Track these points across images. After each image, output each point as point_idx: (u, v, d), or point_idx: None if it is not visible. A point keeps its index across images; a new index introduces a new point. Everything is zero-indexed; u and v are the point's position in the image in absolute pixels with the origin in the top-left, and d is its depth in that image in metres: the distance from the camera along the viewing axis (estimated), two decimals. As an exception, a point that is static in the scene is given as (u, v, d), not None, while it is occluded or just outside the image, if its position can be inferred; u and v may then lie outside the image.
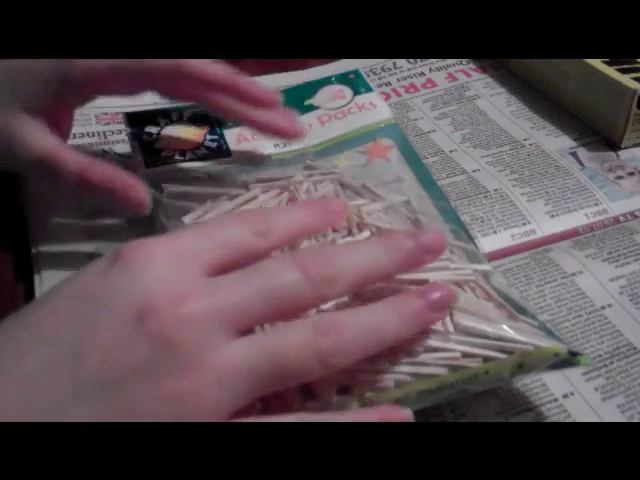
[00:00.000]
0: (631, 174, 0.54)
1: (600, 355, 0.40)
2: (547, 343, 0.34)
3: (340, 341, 0.29)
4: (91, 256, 0.46)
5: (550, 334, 0.36)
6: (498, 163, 0.55)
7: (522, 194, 0.52)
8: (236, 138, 0.52)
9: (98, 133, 0.57)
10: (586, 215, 0.50)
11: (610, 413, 0.38)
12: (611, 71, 0.55)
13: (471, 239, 0.44)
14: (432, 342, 0.34)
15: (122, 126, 0.57)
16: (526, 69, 0.63)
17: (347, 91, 0.55)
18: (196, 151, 0.50)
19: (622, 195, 0.52)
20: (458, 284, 0.38)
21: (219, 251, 0.30)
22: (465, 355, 0.34)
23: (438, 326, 0.34)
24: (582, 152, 0.56)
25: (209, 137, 0.52)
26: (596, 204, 0.51)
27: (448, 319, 0.35)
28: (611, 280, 0.45)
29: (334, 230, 0.41)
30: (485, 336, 0.34)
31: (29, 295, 0.44)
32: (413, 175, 0.50)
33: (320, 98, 0.55)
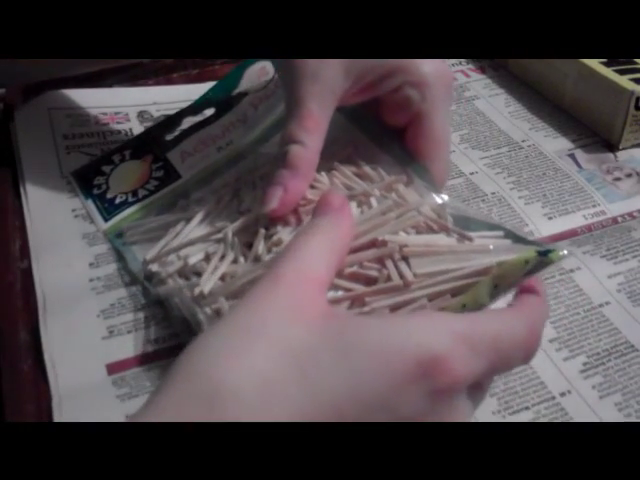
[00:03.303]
0: (629, 175, 0.54)
1: (598, 353, 0.41)
2: (512, 254, 0.34)
3: None
4: (92, 265, 0.46)
5: (518, 240, 0.36)
6: (496, 165, 0.55)
7: (520, 197, 0.52)
8: (180, 157, 0.52)
9: (97, 133, 0.56)
10: (584, 217, 0.50)
11: (607, 411, 0.38)
12: (609, 72, 0.55)
13: (427, 172, 0.43)
14: (397, 299, 0.34)
15: (122, 126, 0.57)
16: (525, 70, 0.63)
17: (268, 66, 0.54)
18: (147, 186, 0.50)
19: (620, 196, 0.52)
20: (415, 227, 0.37)
21: None
22: (433, 297, 0.34)
23: (397, 281, 0.34)
24: (580, 154, 0.56)
25: (154, 166, 0.51)
26: (594, 205, 0.51)
27: (406, 270, 0.34)
28: (609, 277, 0.45)
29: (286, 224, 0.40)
30: (447, 271, 0.34)
31: (29, 301, 0.44)
32: (348, 123, 0.48)
33: (246, 83, 0.54)
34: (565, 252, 0.33)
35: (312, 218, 0.34)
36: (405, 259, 0.35)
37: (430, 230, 0.37)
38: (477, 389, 0.31)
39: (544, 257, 0.33)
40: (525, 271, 0.33)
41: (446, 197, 0.40)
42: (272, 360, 0.27)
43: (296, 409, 0.27)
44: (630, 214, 0.50)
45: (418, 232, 0.37)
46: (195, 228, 0.44)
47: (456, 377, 0.28)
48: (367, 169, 0.43)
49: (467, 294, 0.33)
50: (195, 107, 0.56)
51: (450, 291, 0.33)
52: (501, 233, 0.37)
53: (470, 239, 0.36)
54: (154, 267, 0.43)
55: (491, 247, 0.35)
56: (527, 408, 0.38)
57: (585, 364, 0.40)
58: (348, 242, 0.34)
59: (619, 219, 0.50)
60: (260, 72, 0.54)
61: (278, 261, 0.31)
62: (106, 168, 0.52)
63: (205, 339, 0.29)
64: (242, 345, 0.28)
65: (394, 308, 0.34)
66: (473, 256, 0.34)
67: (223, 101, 0.54)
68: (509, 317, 0.31)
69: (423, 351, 0.28)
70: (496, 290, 0.33)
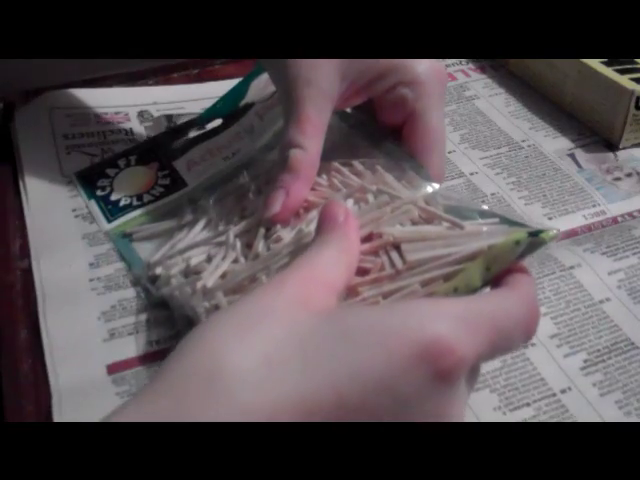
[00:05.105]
0: (629, 175, 0.54)
1: (598, 350, 0.41)
2: (502, 237, 0.33)
3: None
4: (92, 265, 0.46)
5: (513, 224, 0.35)
6: (496, 165, 0.55)
7: (520, 197, 0.52)
8: (186, 165, 0.52)
9: (98, 133, 0.56)
10: (584, 217, 0.50)
11: (608, 409, 0.38)
12: (609, 72, 0.55)
13: (423, 170, 0.43)
14: (389, 286, 0.34)
15: (122, 126, 0.57)
16: (525, 70, 0.63)
17: None
18: (152, 191, 0.50)
19: (620, 196, 0.52)
20: (411, 220, 0.37)
21: None
22: (425, 283, 0.33)
23: (389, 270, 0.34)
24: (580, 154, 0.56)
25: (161, 174, 0.52)
26: (594, 205, 0.51)
27: (397, 259, 0.34)
28: (609, 273, 0.45)
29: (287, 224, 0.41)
30: (438, 257, 0.34)
31: (29, 301, 0.44)
32: (344, 125, 0.48)
33: (253, 93, 0.55)
34: (555, 231, 0.33)
35: (318, 233, 0.34)
36: (397, 248, 0.35)
37: (424, 221, 0.37)
38: (474, 371, 0.31)
39: (535, 237, 0.32)
40: (518, 253, 0.32)
41: (437, 186, 0.40)
42: (275, 341, 0.27)
43: (296, 390, 0.26)
44: (630, 214, 0.50)
45: (414, 224, 0.37)
46: (199, 233, 0.44)
47: (459, 358, 0.28)
48: (364, 168, 0.43)
49: (458, 278, 0.33)
50: (203, 118, 0.56)
51: (442, 277, 0.33)
52: (496, 220, 0.36)
53: (461, 227, 0.36)
54: (158, 270, 0.43)
55: (484, 229, 0.35)
56: (528, 404, 0.38)
57: (585, 361, 0.40)
58: (357, 255, 0.34)
59: (619, 219, 0.50)
60: (266, 83, 0.54)
61: (286, 268, 0.31)
62: (110, 171, 0.52)
63: (209, 323, 0.29)
64: (246, 327, 0.28)
65: (387, 295, 0.34)
66: (465, 240, 0.34)
67: (230, 112, 0.55)
68: (506, 296, 0.31)
69: (424, 334, 0.28)
70: (488, 273, 0.33)
